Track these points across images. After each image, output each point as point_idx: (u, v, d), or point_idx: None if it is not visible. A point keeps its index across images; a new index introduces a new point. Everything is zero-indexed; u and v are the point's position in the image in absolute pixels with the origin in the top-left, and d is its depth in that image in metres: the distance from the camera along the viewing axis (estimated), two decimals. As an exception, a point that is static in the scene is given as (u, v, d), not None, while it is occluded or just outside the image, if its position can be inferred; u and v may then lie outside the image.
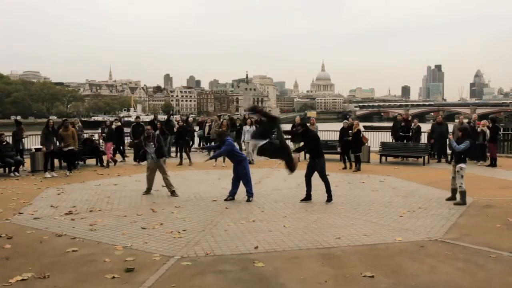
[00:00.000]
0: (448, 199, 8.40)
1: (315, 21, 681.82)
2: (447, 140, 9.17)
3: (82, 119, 78.84)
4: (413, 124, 15.99)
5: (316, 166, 8.47)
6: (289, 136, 12.11)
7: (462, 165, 8.17)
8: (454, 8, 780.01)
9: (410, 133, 15.69)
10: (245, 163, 8.66)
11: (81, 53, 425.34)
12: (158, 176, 9.33)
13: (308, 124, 10.81)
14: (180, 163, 14.40)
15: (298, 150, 9.36)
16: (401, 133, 15.68)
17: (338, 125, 16.42)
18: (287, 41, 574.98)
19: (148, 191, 9.26)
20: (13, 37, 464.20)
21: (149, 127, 10.08)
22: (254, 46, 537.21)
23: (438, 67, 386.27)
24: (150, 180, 9.30)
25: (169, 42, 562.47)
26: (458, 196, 8.25)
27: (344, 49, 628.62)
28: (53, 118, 44.09)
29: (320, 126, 19.69)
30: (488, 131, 13.92)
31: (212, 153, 12.19)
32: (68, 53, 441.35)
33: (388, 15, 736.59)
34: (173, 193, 9.05)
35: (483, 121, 14.48)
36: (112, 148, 14.77)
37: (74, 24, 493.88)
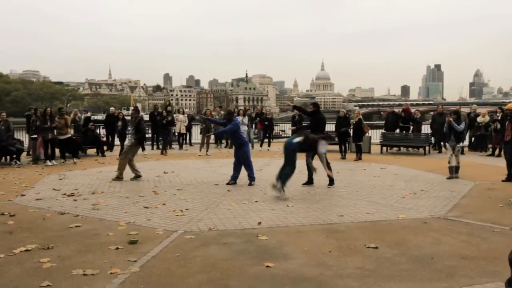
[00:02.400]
0: (449, 178, 8.70)
1: (315, 21, 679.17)
2: (446, 123, 9.23)
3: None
4: (414, 115, 16.01)
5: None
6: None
7: (461, 144, 9.23)
8: (454, 8, 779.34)
9: (411, 124, 15.70)
10: (245, 147, 8.66)
11: (81, 53, 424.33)
12: (159, 163, 9.32)
13: None
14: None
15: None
16: (401, 124, 15.69)
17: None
18: (287, 41, 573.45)
19: (120, 177, 9.02)
20: (13, 37, 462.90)
21: (133, 110, 10.02)
22: (254, 46, 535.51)
23: (438, 66, 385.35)
24: (122, 165, 9.09)
25: (169, 42, 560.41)
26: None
27: (343, 49, 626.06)
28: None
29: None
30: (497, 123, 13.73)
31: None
32: (68, 53, 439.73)
33: (388, 15, 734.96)
34: (135, 177, 9.05)
35: (483, 111, 14.47)
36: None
37: (74, 24, 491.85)
